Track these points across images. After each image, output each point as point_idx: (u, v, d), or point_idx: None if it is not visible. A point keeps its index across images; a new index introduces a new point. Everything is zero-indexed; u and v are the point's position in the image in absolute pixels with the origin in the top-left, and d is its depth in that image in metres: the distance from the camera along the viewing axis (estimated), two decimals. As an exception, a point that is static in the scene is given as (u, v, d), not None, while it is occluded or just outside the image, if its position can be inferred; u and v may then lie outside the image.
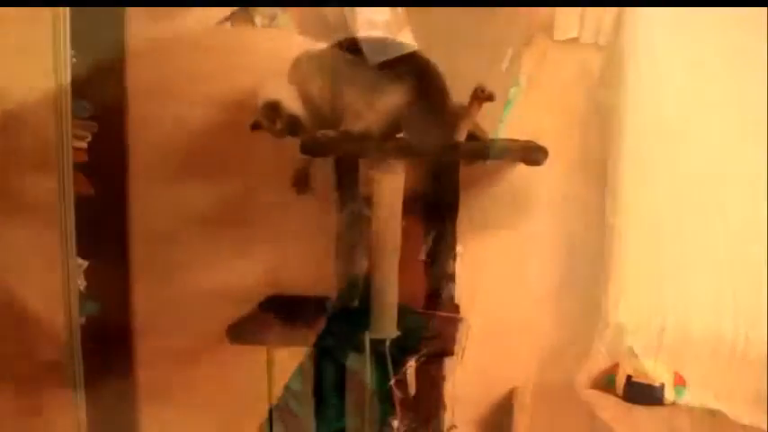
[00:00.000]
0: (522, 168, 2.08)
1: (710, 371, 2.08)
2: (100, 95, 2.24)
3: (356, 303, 1.98)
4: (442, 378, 1.94)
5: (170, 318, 2.38)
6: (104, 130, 2.26)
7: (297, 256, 2.28)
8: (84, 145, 2.24)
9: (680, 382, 2.04)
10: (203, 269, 2.34)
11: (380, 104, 1.80)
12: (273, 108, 1.90)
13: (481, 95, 1.97)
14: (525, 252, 2.19)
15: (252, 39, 2.22)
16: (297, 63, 1.93)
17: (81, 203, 2.08)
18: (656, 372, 2.04)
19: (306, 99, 1.92)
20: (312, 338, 1.91)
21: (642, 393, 2.03)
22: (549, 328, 2.20)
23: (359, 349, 1.85)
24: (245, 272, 2.32)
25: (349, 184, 2.06)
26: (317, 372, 1.99)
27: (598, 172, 2.12)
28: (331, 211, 2.07)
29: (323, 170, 2.08)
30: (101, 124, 2.26)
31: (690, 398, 2.04)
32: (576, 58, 2.10)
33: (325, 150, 1.91)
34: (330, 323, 1.94)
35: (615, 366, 2.11)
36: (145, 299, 2.39)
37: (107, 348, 2.36)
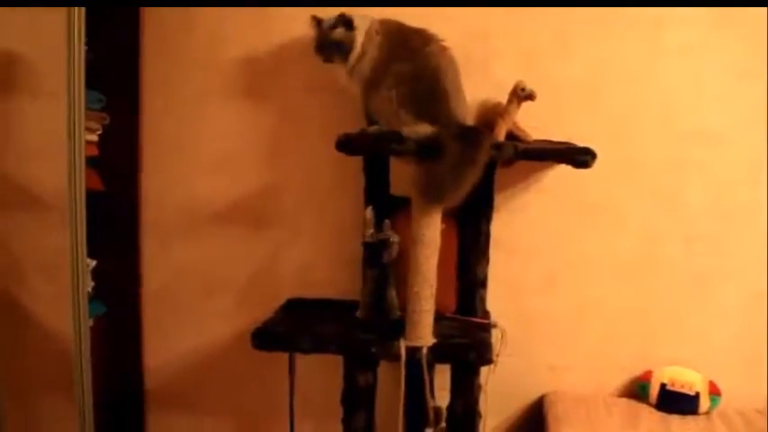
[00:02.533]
0: (559, 171, 2.05)
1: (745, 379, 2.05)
2: (113, 85, 2.13)
3: (394, 318, 1.90)
4: (479, 387, 1.88)
5: (183, 320, 2.29)
6: (117, 121, 2.16)
7: (322, 257, 2.20)
8: (94, 138, 2.12)
9: (714, 391, 2.01)
10: (219, 269, 2.25)
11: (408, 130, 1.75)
12: (346, 22, 1.81)
13: (521, 94, 1.91)
14: (560, 257, 2.13)
15: (272, 29, 2.13)
16: (383, 21, 1.86)
17: (90, 200, 1.96)
18: (691, 380, 2.00)
19: (364, 47, 1.83)
20: (343, 345, 1.83)
21: (677, 402, 1.99)
22: (581, 334, 2.15)
23: (392, 357, 1.78)
24: (265, 273, 2.23)
25: (378, 185, 1.98)
26: (347, 380, 1.91)
27: (641, 177, 2.08)
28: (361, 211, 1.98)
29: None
30: (113, 116, 2.15)
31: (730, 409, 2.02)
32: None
33: (358, 149, 1.84)
34: (361, 329, 1.86)
35: (647, 374, 2.07)
36: (156, 300, 2.29)
37: (115, 351, 2.26)
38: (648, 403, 2.04)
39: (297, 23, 2.07)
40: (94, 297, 2.17)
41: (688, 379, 2.01)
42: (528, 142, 1.92)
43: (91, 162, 2.08)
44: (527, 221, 2.11)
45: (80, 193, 1.87)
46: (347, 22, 1.81)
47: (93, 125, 2.09)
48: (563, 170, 2.01)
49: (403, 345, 1.76)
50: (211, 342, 2.28)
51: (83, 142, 1.86)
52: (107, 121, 2.14)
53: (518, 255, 2.13)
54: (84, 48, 1.80)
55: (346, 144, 1.77)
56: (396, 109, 1.74)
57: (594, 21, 2.03)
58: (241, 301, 2.24)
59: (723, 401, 2.03)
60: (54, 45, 1.81)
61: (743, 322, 2.08)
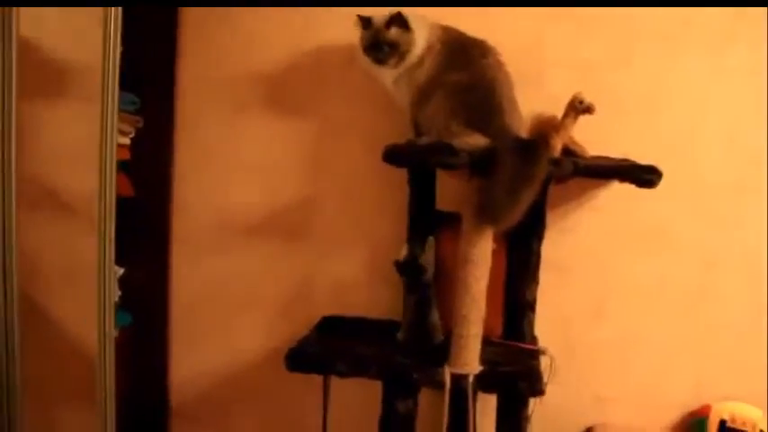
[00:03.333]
0: (613, 190, 1.94)
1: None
2: (148, 87, 2.04)
3: (437, 341, 1.79)
4: (526, 419, 1.76)
5: (211, 334, 2.19)
6: (150, 125, 2.07)
7: (360, 275, 2.09)
8: (126, 141, 2.03)
9: (778, 430, 1.88)
10: (252, 284, 2.15)
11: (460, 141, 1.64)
12: (402, 22, 1.68)
13: (579, 107, 1.79)
14: (611, 281, 2.01)
15: (314, 34, 2.04)
16: (444, 29, 1.74)
17: (120, 205, 1.88)
18: (754, 418, 1.87)
19: (423, 56, 1.71)
20: (382, 369, 1.72)
21: (738, 441, 1.87)
22: (631, 364, 2.03)
23: (435, 384, 1.67)
24: (300, 289, 2.13)
25: (424, 200, 1.87)
26: (386, 406, 1.79)
27: (700, 200, 1.95)
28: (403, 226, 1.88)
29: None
30: (147, 119, 2.06)
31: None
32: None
33: (407, 161, 1.73)
34: (401, 352, 1.75)
35: (705, 409, 1.93)
36: (184, 312, 2.20)
37: (140, 364, 2.16)
38: (705, 440, 1.92)
39: (340, 29, 1.98)
40: (120, 306, 2.08)
41: (750, 416, 1.87)
42: (585, 158, 1.81)
43: (122, 166, 1.99)
44: (578, 242, 1.99)
45: (110, 198, 1.77)
46: (403, 22, 1.68)
47: (126, 128, 2.00)
48: (617, 189, 1.92)
49: (448, 372, 1.65)
50: (241, 359, 2.17)
51: (115, 146, 1.77)
52: (140, 125, 2.06)
53: (567, 277, 2.00)
54: (120, 48, 1.72)
55: (394, 155, 1.66)
56: (448, 120, 1.64)
57: (656, 35, 1.92)
58: (273, 318, 2.14)
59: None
60: (88, 44, 1.73)
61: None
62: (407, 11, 1.70)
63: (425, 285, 1.77)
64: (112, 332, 1.88)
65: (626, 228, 1.98)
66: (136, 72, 1.94)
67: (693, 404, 1.98)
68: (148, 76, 2.05)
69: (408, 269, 1.75)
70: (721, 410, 1.90)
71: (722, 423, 1.89)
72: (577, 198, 1.98)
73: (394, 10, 1.70)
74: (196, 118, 2.11)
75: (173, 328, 2.19)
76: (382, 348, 1.79)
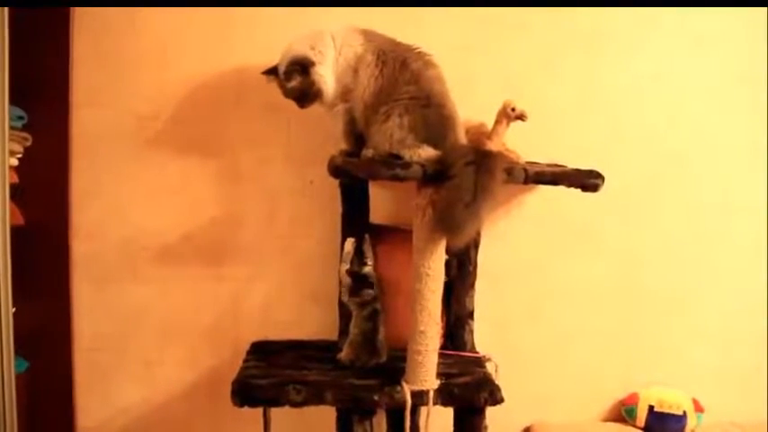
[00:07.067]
0: (538, 194, 1.99)
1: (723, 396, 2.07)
2: (37, 100, 1.79)
3: (381, 360, 1.74)
4: (485, 428, 1.74)
5: (123, 373, 1.98)
6: (41, 143, 1.82)
7: (286, 295, 1.99)
8: (14, 162, 1.77)
9: (698, 409, 2.01)
10: (167, 313, 1.97)
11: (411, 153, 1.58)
12: (302, 67, 1.62)
13: (511, 114, 1.80)
14: (541, 284, 2.05)
15: (228, 39, 1.91)
16: (366, 33, 1.67)
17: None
18: (678, 400, 2.00)
19: (344, 73, 1.64)
20: (341, 394, 1.62)
21: (666, 423, 1.97)
22: (565, 361, 2.08)
23: (395, 404, 1.61)
24: (222, 315, 1.98)
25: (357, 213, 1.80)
26: (343, 432, 1.71)
27: (619, 201, 2.02)
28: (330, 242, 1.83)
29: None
30: (36, 136, 1.81)
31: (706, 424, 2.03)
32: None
33: (354, 174, 1.61)
34: (353, 374, 1.67)
35: (633, 397, 2.03)
36: (90, 351, 1.97)
37: (40, 414, 1.90)
38: (636, 426, 2.01)
39: (258, 36, 1.88)
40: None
41: (675, 399, 2.00)
42: (519, 164, 1.82)
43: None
44: (509, 248, 2.01)
45: (4, 225, 1.55)
46: (302, 66, 1.62)
47: (14, 147, 1.74)
48: (544, 193, 1.96)
49: (407, 389, 1.60)
50: (160, 396, 1.97)
51: (8, 169, 1.55)
52: (29, 143, 1.80)
53: (500, 283, 2.01)
54: (7, 56, 1.49)
55: (341, 169, 1.57)
56: (405, 134, 1.58)
57: (576, 42, 1.98)
58: (194, 348, 1.97)
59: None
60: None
61: (718, 341, 2.09)
62: (312, 31, 1.66)
63: (375, 297, 1.72)
64: (12, 382, 1.65)
65: (554, 231, 2.04)
66: (21, 82, 1.70)
67: (622, 392, 2.07)
68: (37, 86, 1.80)
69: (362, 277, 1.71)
70: (648, 397, 2.01)
71: (650, 408, 2.00)
72: (505, 204, 2.00)
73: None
74: (95, 132, 1.88)
75: (78, 369, 1.95)
76: (331, 371, 1.70)
